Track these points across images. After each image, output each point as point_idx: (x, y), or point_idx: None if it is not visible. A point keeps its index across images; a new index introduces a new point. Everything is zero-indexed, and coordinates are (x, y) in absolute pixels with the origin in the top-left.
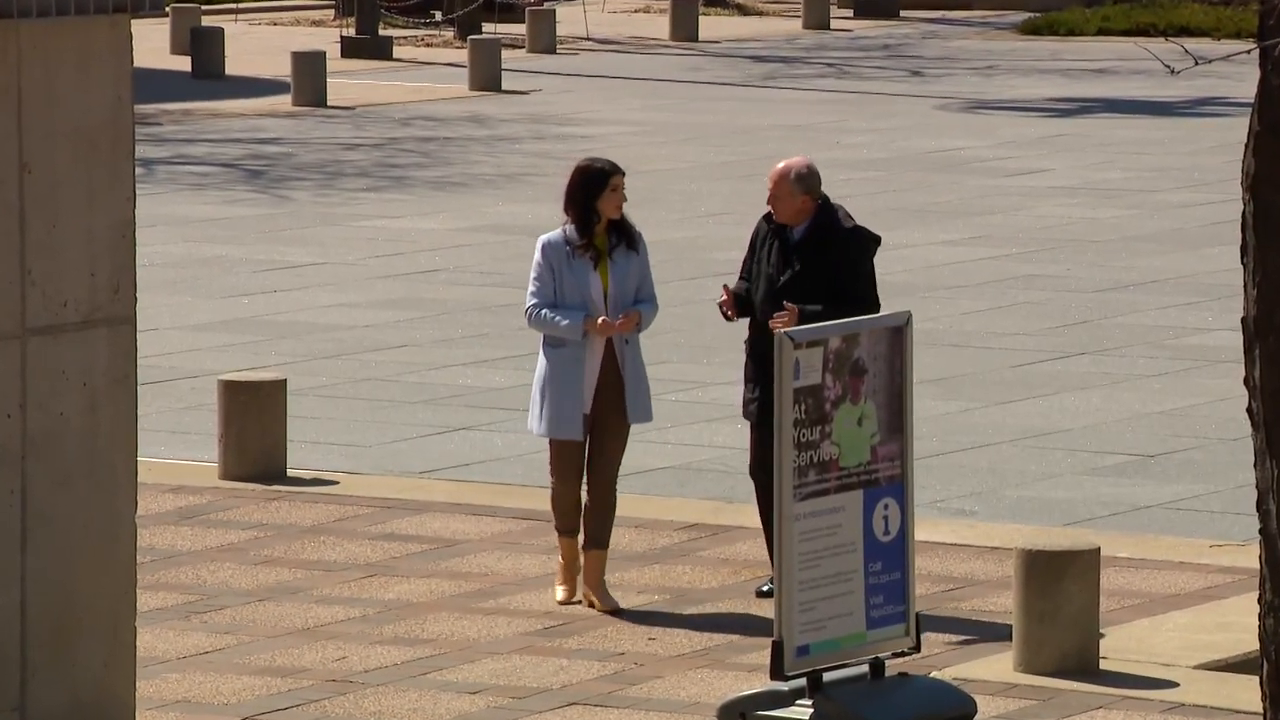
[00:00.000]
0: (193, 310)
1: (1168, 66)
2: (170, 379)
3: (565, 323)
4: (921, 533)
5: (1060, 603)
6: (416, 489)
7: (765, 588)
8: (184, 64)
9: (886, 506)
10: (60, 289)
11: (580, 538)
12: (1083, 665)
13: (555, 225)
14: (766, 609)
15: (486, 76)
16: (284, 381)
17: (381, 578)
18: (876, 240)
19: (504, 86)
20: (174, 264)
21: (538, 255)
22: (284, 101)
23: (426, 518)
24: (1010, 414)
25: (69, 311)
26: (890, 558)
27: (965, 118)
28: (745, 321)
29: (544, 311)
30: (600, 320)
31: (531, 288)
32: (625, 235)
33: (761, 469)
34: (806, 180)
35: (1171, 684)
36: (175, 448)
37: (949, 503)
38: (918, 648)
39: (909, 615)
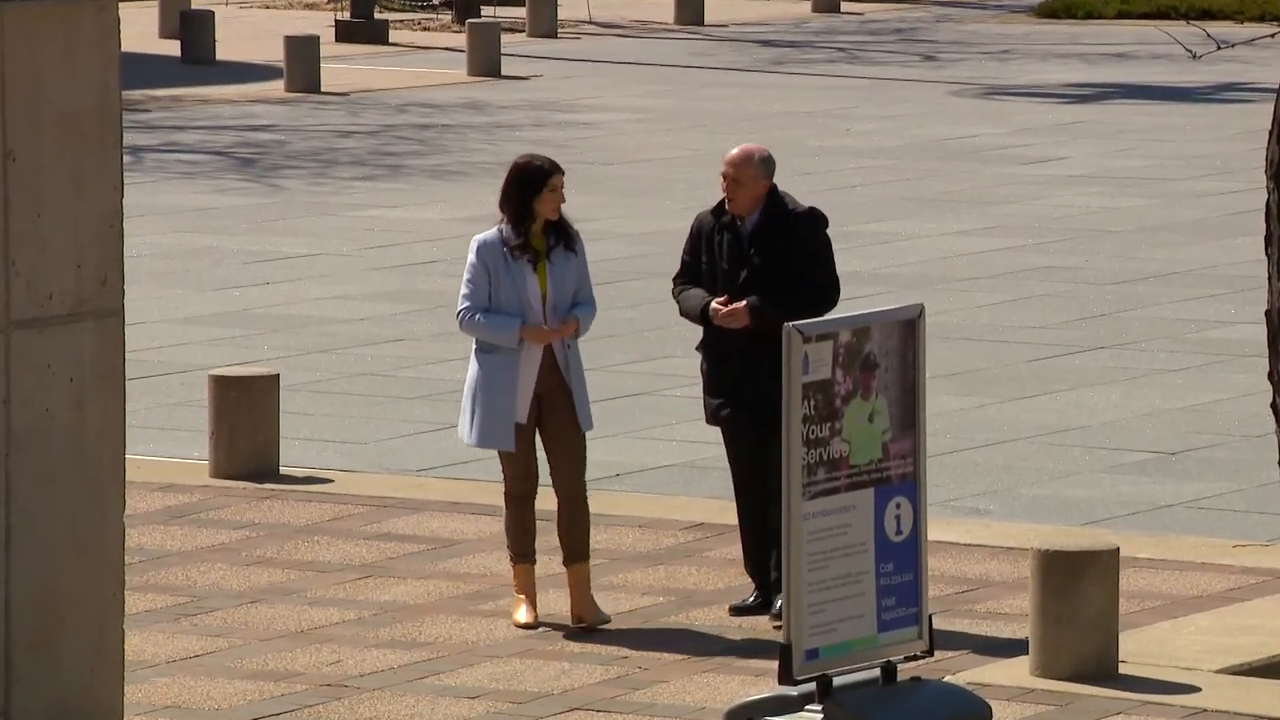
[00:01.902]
0: (182, 303)
1: (1189, 51)
2: (159, 374)
3: (501, 330)
4: (935, 532)
5: (1078, 605)
6: (413, 487)
7: (750, 600)
8: (173, 49)
9: (898, 505)
10: (46, 281)
11: (561, 554)
12: (1101, 669)
13: None
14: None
15: (485, 61)
16: (276, 376)
17: (377, 579)
18: (826, 220)
19: (503, 72)
20: (163, 255)
21: (472, 256)
22: (276, 87)
23: (424, 517)
24: (1026, 410)
25: (54, 304)
26: (902, 558)
27: (980, 104)
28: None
29: (477, 316)
30: (538, 329)
31: (464, 290)
32: (563, 235)
33: (739, 475)
34: (769, 164)
35: (1193, 689)
36: (164, 445)
37: (963, 501)
38: (931, 651)
39: (922, 618)
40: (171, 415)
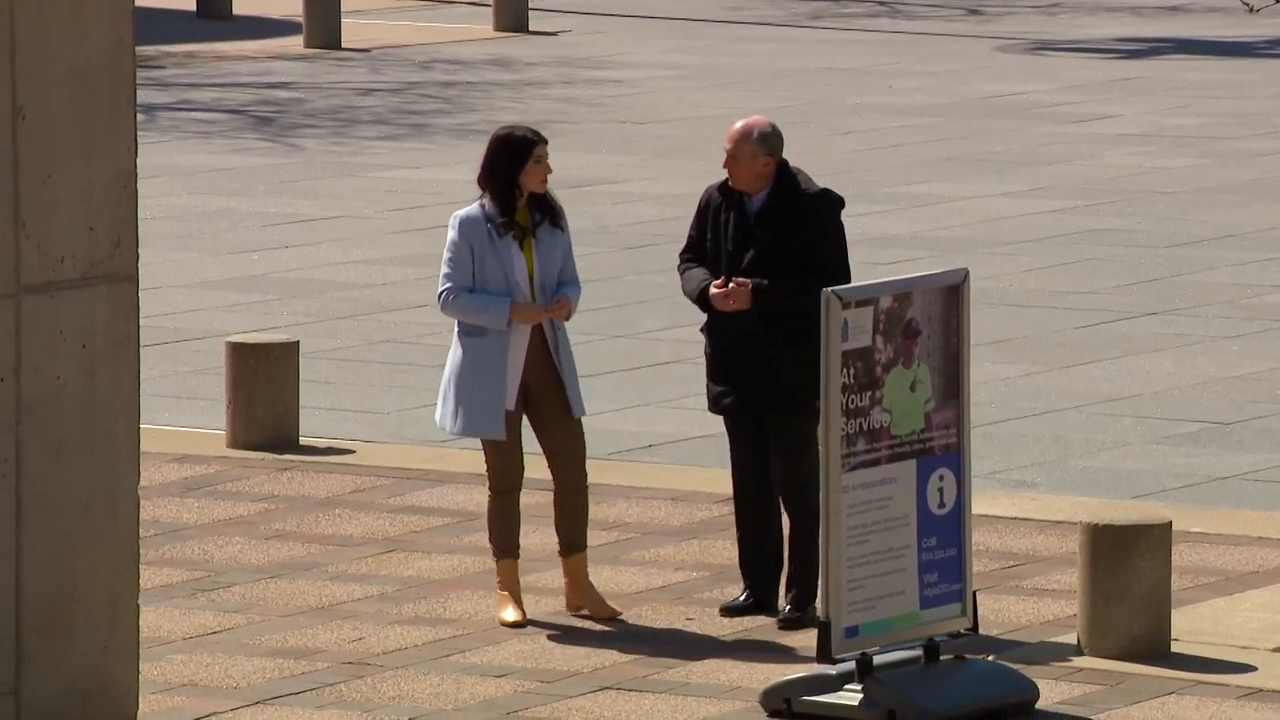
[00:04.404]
0: (198, 267)
1: (1246, 4)
2: (175, 341)
3: (490, 311)
4: (979, 506)
5: (1129, 581)
6: (437, 459)
7: (739, 600)
8: (188, 3)
9: (942, 478)
10: (57, 244)
11: (557, 544)
12: (1153, 648)
13: (582, 175)
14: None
15: (512, 16)
16: (296, 344)
17: (400, 553)
18: (842, 203)
19: (531, 27)
20: (178, 217)
21: (453, 233)
22: (295, 43)
23: (448, 489)
24: (1075, 378)
25: (66, 268)
26: (945, 533)
27: (1027, 60)
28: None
29: (462, 297)
30: (530, 308)
31: (445, 269)
32: (548, 211)
33: (737, 470)
34: (770, 140)
35: (1249, 668)
36: (180, 414)
37: (1009, 474)
38: (975, 629)
39: (965, 594)
40: (187, 383)
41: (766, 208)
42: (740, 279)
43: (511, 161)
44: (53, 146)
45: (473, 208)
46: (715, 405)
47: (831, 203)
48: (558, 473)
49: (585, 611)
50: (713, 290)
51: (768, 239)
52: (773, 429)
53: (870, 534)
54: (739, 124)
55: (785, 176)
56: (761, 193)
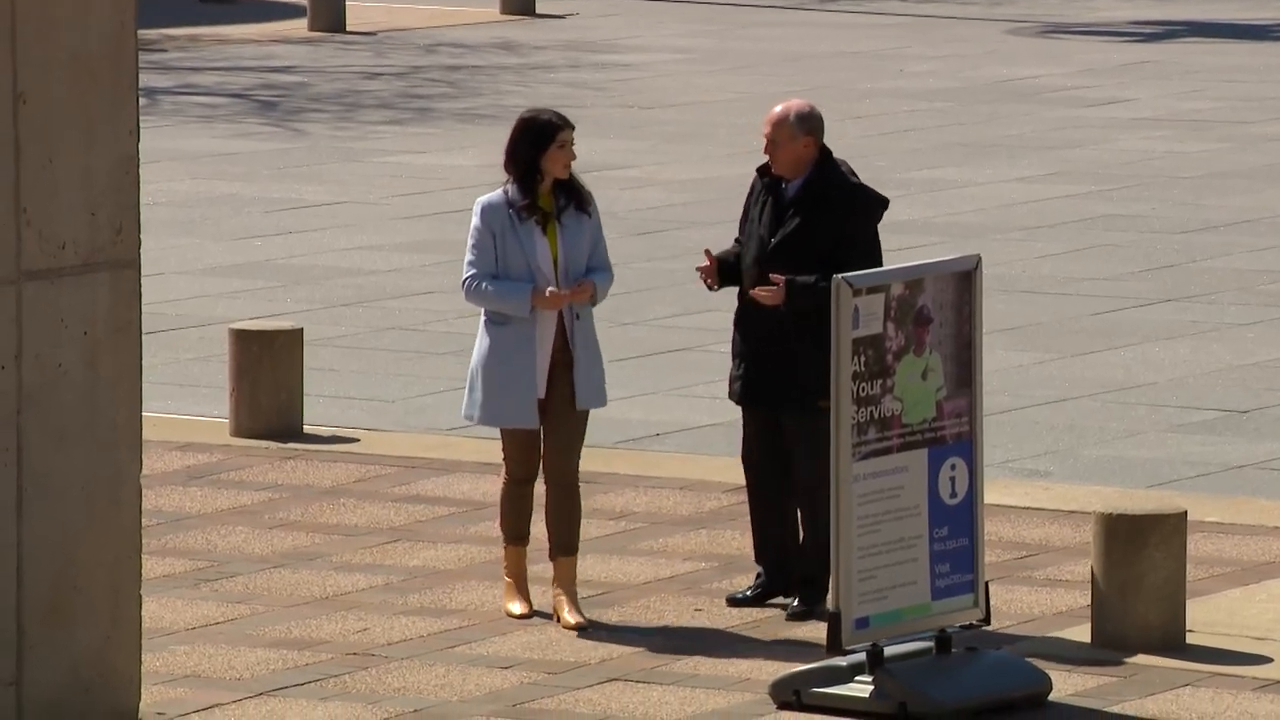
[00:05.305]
0: (201, 253)
1: None
2: (177, 328)
3: (511, 298)
4: (991, 495)
5: (1143, 571)
6: (443, 447)
7: (746, 592)
8: None
9: (953, 467)
10: (58, 230)
11: (547, 545)
12: (1167, 639)
13: (590, 161)
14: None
15: None
16: (300, 331)
17: (406, 543)
18: (883, 203)
19: (538, 10)
20: (181, 203)
21: (476, 219)
22: (299, 26)
23: (454, 478)
24: (1089, 366)
25: (68, 254)
26: (957, 522)
27: (1040, 43)
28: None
29: (484, 284)
30: (549, 291)
31: (469, 256)
32: (575, 196)
33: (750, 458)
34: (809, 121)
35: (1264, 659)
36: (183, 402)
37: (1022, 463)
38: (987, 620)
39: (977, 585)
40: (190, 371)
41: (799, 195)
42: (775, 275)
43: (534, 145)
44: (54, 131)
45: (496, 193)
46: (729, 389)
47: (864, 201)
48: (548, 466)
49: (560, 616)
50: (704, 263)
51: (794, 226)
52: (788, 423)
53: (881, 523)
54: (777, 108)
55: (826, 166)
56: (799, 179)
